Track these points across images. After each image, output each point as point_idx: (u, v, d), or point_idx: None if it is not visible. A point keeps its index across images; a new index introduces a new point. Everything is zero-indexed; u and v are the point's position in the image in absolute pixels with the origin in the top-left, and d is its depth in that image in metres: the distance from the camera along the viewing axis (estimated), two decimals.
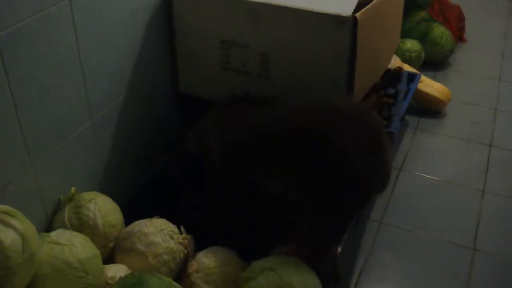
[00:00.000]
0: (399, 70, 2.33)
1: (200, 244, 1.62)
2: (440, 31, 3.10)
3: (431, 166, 2.38)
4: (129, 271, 1.48)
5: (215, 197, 1.63)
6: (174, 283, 1.33)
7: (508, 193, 2.23)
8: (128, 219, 1.64)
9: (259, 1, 1.73)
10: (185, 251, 1.56)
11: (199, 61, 1.92)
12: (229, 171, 1.59)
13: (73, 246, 1.36)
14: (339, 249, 1.70)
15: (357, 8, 1.66)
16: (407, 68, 2.65)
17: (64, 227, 1.53)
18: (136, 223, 1.59)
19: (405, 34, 3.04)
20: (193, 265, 1.54)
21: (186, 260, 1.57)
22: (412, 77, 2.51)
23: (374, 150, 1.51)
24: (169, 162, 1.88)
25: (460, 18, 3.37)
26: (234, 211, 1.61)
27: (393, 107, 2.16)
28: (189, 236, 1.58)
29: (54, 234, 1.40)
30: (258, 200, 1.53)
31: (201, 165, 1.66)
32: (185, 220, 1.62)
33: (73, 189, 1.59)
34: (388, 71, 2.23)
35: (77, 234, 1.43)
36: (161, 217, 1.62)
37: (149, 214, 1.63)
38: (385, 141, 1.55)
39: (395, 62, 2.44)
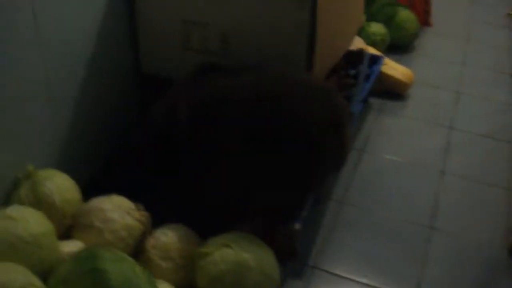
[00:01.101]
0: (361, 52, 2.34)
1: (157, 222, 1.62)
2: (405, 15, 3.12)
3: (393, 147, 2.41)
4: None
5: (179, 166, 1.64)
6: (128, 258, 1.33)
7: (467, 174, 2.28)
8: (88, 197, 1.63)
9: None
10: (142, 227, 1.56)
11: (160, 41, 1.92)
12: (196, 136, 1.60)
13: (27, 221, 1.36)
14: (298, 226, 1.72)
15: None
16: (371, 51, 2.67)
17: (21, 203, 1.52)
18: (93, 200, 1.59)
19: (371, 17, 3.06)
20: (150, 241, 1.54)
21: (143, 237, 1.57)
22: (375, 60, 2.53)
23: (329, 117, 1.54)
24: (133, 135, 1.87)
25: (426, 1, 3.39)
26: (197, 182, 1.62)
27: (354, 88, 2.17)
28: (146, 213, 1.59)
29: (8, 210, 1.39)
30: (219, 170, 1.55)
31: (168, 134, 1.66)
32: (144, 198, 1.63)
33: (30, 167, 1.58)
34: (350, 52, 2.25)
35: (31, 209, 1.43)
36: (120, 194, 1.63)
37: (108, 192, 1.63)
38: (341, 114, 1.58)
39: (358, 44, 2.46)
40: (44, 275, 1.32)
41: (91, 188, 1.68)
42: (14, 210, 1.39)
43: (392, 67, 2.72)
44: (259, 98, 1.54)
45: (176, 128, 1.64)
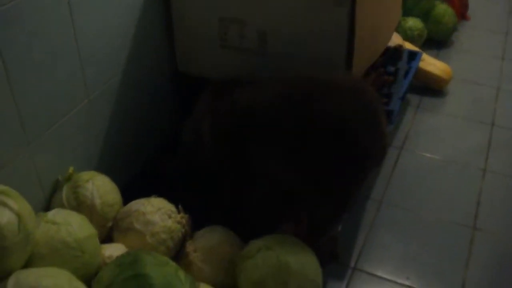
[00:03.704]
0: (399, 48, 2.30)
1: (198, 223, 1.62)
2: (442, 9, 3.07)
3: (432, 145, 2.37)
4: (127, 250, 1.48)
5: (212, 179, 1.63)
6: (171, 262, 1.32)
7: (510, 172, 2.22)
8: (127, 198, 1.63)
9: None
10: (183, 230, 1.56)
11: (197, 39, 1.91)
12: (224, 154, 1.58)
13: (70, 225, 1.36)
14: (339, 228, 1.70)
15: None
16: (408, 46, 2.63)
17: (62, 207, 1.52)
18: (133, 202, 1.59)
19: (407, 12, 3.01)
20: (191, 244, 1.54)
21: (184, 239, 1.57)
22: (413, 56, 2.49)
23: (370, 121, 1.50)
24: (166, 151, 1.88)
25: None
26: (232, 191, 1.60)
27: (393, 85, 2.13)
28: (187, 215, 1.58)
29: (50, 214, 1.39)
30: (255, 180, 1.53)
31: (196, 154, 1.66)
32: (184, 201, 1.62)
33: (71, 169, 1.59)
34: (388, 49, 2.21)
35: (74, 213, 1.43)
36: (159, 196, 1.62)
37: (147, 194, 1.63)
38: (380, 114, 1.54)
39: (396, 40, 2.42)
40: (87, 279, 1.32)
41: (130, 190, 1.68)
42: (56, 214, 1.39)
43: (430, 63, 2.67)
44: (286, 104, 1.51)
45: (204, 147, 1.63)
